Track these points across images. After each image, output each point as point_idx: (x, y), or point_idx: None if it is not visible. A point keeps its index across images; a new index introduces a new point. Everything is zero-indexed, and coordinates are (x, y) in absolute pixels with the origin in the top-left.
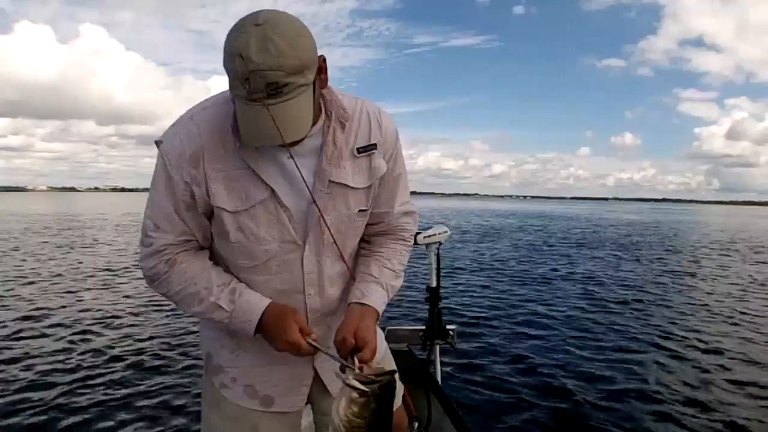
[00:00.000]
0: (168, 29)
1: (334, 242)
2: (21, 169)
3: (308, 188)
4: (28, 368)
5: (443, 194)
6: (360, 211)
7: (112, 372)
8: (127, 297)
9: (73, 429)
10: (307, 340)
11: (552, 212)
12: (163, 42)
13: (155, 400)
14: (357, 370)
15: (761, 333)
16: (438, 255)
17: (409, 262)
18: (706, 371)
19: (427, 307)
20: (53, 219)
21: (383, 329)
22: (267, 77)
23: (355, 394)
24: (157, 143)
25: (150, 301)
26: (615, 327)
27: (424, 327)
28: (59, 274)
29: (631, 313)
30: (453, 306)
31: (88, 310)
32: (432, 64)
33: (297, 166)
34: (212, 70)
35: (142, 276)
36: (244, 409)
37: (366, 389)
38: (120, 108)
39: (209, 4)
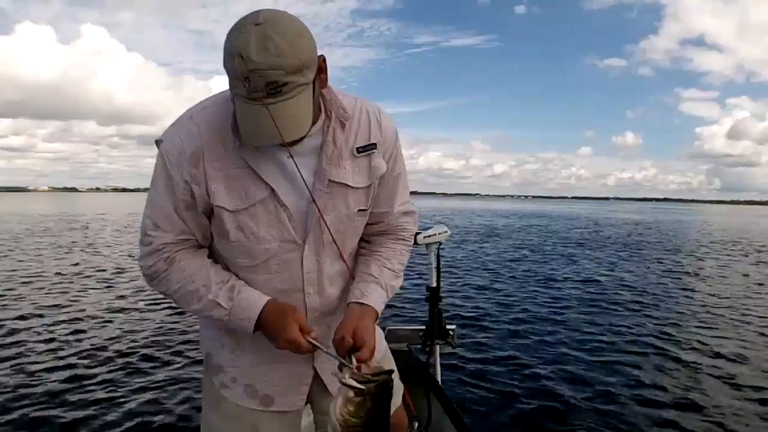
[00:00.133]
0: (168, 29)
1: (334, 242)
2: (22, 169)
3: (308, 188)
4: (28, 368)
5: (444, 194)
6: (360, 210)
7: (113, 371)
8: (128, 296)
9: (74, 428)
10: (306, 338)
11: (553, 212)
12: (163, 42)
13: (155, 400)
14: (354, 370)
15: (763, 334)
16: (438, 255)
17: (409, 262)
18: (710, 375)
19: (427, 307)
20: (54, 219)
21: (383, 329)
22: (267, 76)
23: (351, 393)
24: (157, 142)
25: (150, 300)
26: (616, 327)
27: (424, 327)
28: (59, 273)
29: (633, 313)
30: (453, 306)
31: (88, 309)
32: (433, 64)
33: (297, 166)
34: (213, 71)
35: (141, 275)
36: (244, 409)
37: (362, 388)
38: (121, 108)
39: (210, 4)
